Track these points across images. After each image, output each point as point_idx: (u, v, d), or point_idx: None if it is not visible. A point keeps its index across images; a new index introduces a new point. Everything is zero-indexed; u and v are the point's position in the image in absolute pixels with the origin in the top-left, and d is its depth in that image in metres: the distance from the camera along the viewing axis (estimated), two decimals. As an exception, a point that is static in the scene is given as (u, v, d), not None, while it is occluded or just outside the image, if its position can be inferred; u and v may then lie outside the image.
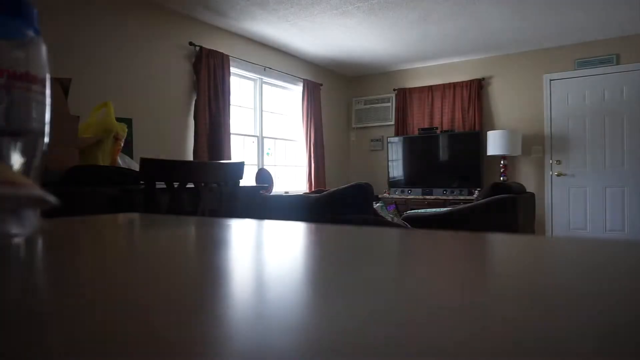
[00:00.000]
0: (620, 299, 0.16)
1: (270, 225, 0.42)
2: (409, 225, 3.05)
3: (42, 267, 0.23)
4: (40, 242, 0.31)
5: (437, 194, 5.83)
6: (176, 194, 1.73)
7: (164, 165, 1.69)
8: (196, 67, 4.45)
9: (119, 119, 2.25)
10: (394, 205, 5.48)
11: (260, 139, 5.38)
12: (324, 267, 0.22)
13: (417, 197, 5.88)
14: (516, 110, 5.75)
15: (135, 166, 1.96)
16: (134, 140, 3.92)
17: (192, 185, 1.78)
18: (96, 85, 3.67)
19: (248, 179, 4.98)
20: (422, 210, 3.48)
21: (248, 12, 4.34)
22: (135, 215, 0.54)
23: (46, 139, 0.38)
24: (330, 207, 2.68)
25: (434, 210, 3.45)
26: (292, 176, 5.98)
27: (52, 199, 0.32)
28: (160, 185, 1.71)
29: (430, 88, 6.22)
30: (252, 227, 0.41)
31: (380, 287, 0.18)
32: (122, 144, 2.12)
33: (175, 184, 1.73)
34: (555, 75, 5.49)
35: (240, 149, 5.12)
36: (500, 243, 0.31)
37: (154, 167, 1.66)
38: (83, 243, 0.32)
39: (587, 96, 5.34)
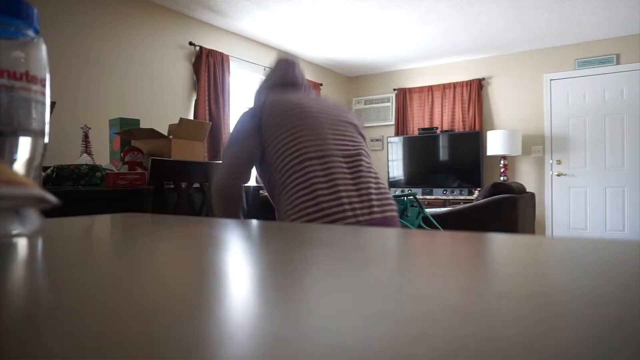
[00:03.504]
0: (620, 299, 0.16)
1: (271, 226, 0.42)
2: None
3: (41, 266, 0.23)
4: (40, 242, 0.31)
5: (437, 194, 5.83)
6: (183, 194, 1.73)
7: (173, 165, 1.70)
8: (196, 67, 4.45)
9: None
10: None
11: (260, 139, 5.38)
12: (324, 267, 0.22)
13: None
14: (516, 110, 5.75)
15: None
16: (134, 140, 3.92)
17: (197, 185, 1.79)
18: (95, 85, 3.67)
19: (248, 179, 4.96)
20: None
21: (248, 12, 4.34)
22: (136, 215, 0.54)
23: (46, 139, 0.38)
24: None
25: (434, 210, 3.45)
26: (292, 176, 5.97)
27: (52, 198, 0.32)
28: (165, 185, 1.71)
29: (430, 88, 6.22)
30: (252, 227, 0.41)
31: (380, 287, 0.18)
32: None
33: (183, 184, 1.74)
34: (555, 75, 5.49)
35: (240, 149, 5.11)
36: (500, 243, 0.31)
37: (163, 168, 1.67)
38: (82, 243, 0.32)
39: (587, 96, 5.34)
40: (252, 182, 4.78)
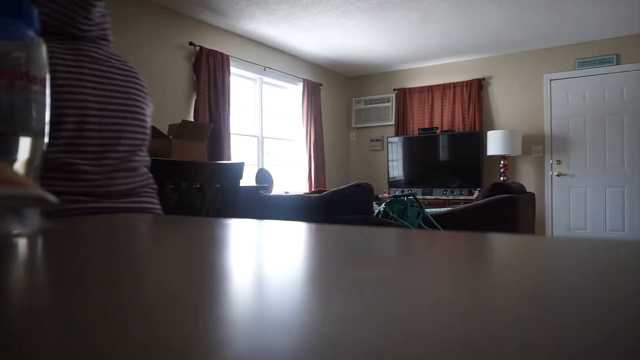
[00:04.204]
0: (620, 299, 0.16)
1: (270, 226, 0.42)
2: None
3: (42, 266, 0.23)
4: (40, 242, 0.31)
5: (437, 194, 5.83)
6: (183, 194, 1.73)
7: (173, 165, 1.70)
8: (196, 67, 4.45)
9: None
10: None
11: (260, 139, 5.38)
12: (324, 267, 0.22)
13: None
14: (516, 110, 5.75)
15: None
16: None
17: (198, 185, 1.79)
18: (96, 85, 3.66)
19: (248, 179, 4.98)
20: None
21: (248, 12, 4.34)
22: (137, 215, 0.54)
23: (46, 139, 0.38)
24: (330, 207, 2.68)
25: (434, 210, 3.45)
26: (292, 176, 5.98)
27: (52, 198, 0.32)
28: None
29: (430, 88, 6.22)
30: (252, 227, 0.41)
31: (380, 287, 0.18)
32: None
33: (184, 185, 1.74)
34: (555, 75, 5.49)
35: (240, 149, 5.12)
36: (501, 243, 0.31)
37: (164, 168, 1.67)
38: (82, 243, 0.32)
39: (587, 96, 5.34)
40: (252, 182, 4.78)
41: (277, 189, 5.59)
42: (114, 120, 1.10)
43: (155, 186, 1.22)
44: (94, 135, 1.07)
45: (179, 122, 4.37)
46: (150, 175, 1.20)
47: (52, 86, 1.09)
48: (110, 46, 1.21)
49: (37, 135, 0.36)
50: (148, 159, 1.21)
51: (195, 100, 4.44)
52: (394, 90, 6.53)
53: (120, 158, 1.10)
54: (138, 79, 1.19)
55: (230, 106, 4.72)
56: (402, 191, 6.07)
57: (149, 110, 1.20)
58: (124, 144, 1.12)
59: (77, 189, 1.03)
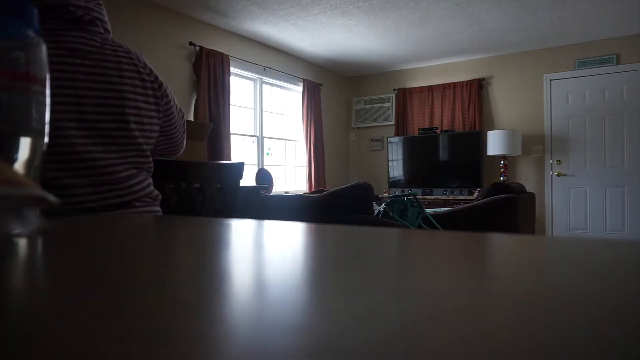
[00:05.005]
0: (620, 299, 0.16)
1: (270, 226, 0.42)
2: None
3: (42, 266, 0.23)
4: (40, 242, 0.31)
5: (437, 194, 5.83)
6: (183, 194, 1.73)
7: (173, 165, 1.70)
8: (196, 67, 4.45)
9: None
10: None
11: (260, 139, 5.38)
12: (324, 267, 0.22)
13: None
14: (516, 110, 5.75)
15: None
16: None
17: (197, 185, 1.79)
18: (96, 85, 3.66)
19: (248, 179, 4.97)
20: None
21: (248, 12, 4.34)
22: (137, 215, 0.54)
23: (46, 139, 0.38)
24: (330, 207, 2.68)
25: (434, 210, 3.45)
26: (292, 176, 5.98)
27: (52, 198, 0.32)
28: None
29: (430, 88, 6.22)
30: (252, 227, 0.41)
31: (380, 287, 0.18)
32: None
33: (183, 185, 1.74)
34: (555, 75, 5.49)
35: (240, 149, 5.12)
36: (500, 243, 0.31)
37: (164, 168, 1.66)
38: (82, 243, 0.32)
39: (587, 96, 5.34)
40: (252, 182, 4.78)
41: (277, 189, 5.59)
42: (96, 125, 0.96)
43: (156, 193, 1.09)
44: (76, 143, 0.93)
45: (179, 122, 4.37)
46: (149, 182, 1.07)
47: None
48: (107, 33, 1.05)
49: (37, 135, 0.36)
50: (149, 163, 1.07)
51: (195, 100, 4.44)
52: (394, 90, 6.52)
53: (107, 167, 0.96)
54: (140, 72, 1.05)
55: (230, 106, 4.72)
56: (402, 191, 6.07)
57: (154, 107, 1.07)
58: (110, 150, 0.97)
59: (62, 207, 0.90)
